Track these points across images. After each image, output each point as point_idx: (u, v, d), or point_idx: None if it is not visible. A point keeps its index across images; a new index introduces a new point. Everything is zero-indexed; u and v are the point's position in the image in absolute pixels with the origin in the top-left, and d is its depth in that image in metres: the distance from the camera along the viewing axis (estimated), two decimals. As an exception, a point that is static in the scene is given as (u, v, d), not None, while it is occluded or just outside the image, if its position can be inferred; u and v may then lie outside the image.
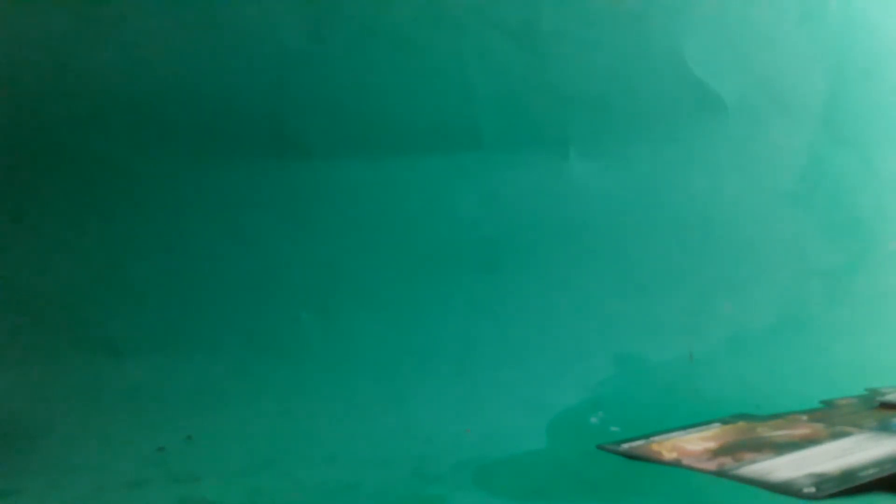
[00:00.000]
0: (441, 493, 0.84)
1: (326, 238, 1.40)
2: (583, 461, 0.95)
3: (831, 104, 1.52)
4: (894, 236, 1.51)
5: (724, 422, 1.07)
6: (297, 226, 1.41)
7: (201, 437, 1.07)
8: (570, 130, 1.46)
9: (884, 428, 0.97)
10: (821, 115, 1.52)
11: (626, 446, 0.98)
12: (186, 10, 1.39)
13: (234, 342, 1.33)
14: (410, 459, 0.96)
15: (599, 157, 1.46)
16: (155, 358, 1.30)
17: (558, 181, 1.45)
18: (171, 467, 0.95)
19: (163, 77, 1.39)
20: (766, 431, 1.00)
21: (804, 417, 1.06)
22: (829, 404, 1.14)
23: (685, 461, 0.90)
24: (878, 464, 0.81)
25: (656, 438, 1.00)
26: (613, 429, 1.06)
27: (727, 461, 0.89)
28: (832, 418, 1.05)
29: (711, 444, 0.96)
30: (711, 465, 0.88)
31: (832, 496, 0.75)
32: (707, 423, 1.06)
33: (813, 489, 0.77)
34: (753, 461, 0.88)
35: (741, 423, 1.05)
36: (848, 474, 0.79)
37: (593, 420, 1.11)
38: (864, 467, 0.81)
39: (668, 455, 0.93)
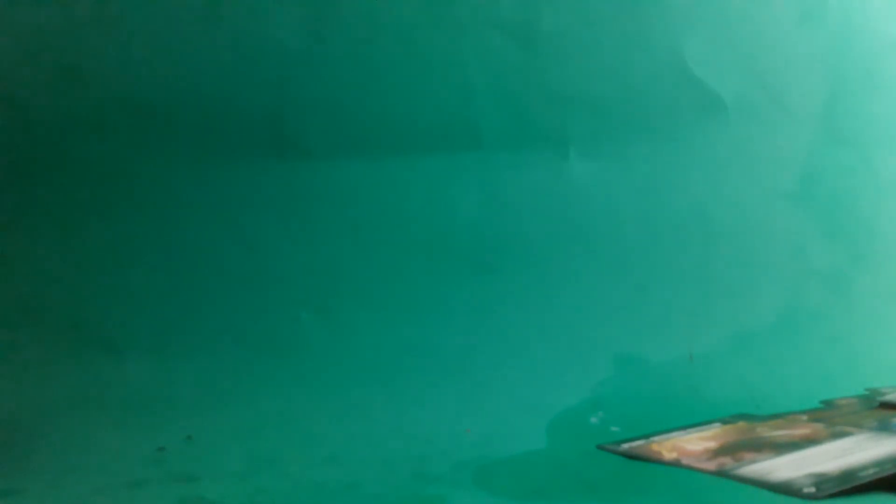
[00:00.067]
0: (441, 493, 0.84)
1: (326, 238, 1.40)
2: (583, 461, 0.95)
3: (831, 104, 1.52)
4: (894, 236, 1.51)
5: (724, 422, 1.07)
6: (297, 226, 1.41)
7: (201, 437, 1.07)
8: (570, 130, 1.46)
9: (884, 428, 0.97)
10: (821, 115, 1.52)
11: (626, 446, 0.98)
12: (186, 10, 1.39)
13: (235, 342, 1.33)
14: (410, 459, 0.96)
15: (599, 157, 1.46)
16: (155, 358, 1.30)
17: (558, 181, 1.45)
18: (170, 467, 0.95)
19: (163, 77, 1.39)
20: (766, 431, 1.00)
21: (804, 417, 1.06)
22: (829, 404, 1.14)
23: (685, 461, 0.90)
24: (878, 464, 0.81)
25: (656, 438, 1.00)
26: (613, 429, 1.06)
27: (727, 461, 0.89)
28: (832, 418, 1.05)
29: (711, 444, 0.96)
30: (711, 465, 0.88)
31: (832, 496, 0.75)
32: (707, 423, 1.06)
33: (813, 489, 0.77)
34: (753, 461, 0.88)
35: (741, 423, 1.05)
36: (848, 474, 0.79)
37: (593, 420, 1.11)
38: (864, 467, 0.81)
39: (668, 455, 0.93)
